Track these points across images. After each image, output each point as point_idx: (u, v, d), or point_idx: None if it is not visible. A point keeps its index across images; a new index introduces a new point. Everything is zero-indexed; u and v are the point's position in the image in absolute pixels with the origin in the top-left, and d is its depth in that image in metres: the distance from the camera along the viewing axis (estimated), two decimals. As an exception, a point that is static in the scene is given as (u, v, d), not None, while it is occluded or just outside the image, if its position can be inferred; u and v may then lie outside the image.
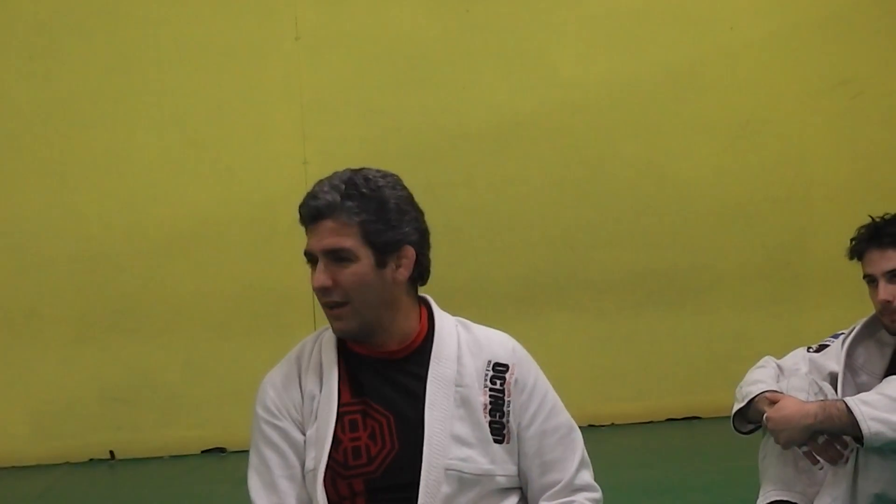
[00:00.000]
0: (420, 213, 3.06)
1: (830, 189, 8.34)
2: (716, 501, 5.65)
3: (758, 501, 3.86)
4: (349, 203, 2.95)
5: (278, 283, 7.93)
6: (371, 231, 2.95)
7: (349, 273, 2.95)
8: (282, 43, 8.13)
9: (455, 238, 7.84)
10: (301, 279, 7.68)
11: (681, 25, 8.31)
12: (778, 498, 3.80)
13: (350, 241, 2.94)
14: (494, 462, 3.00)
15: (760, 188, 8.33)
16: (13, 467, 7.84)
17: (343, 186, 2.96)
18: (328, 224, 2.95)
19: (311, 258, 2.99)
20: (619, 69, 8.27)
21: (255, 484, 3.02)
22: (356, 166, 3.07)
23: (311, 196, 2.98)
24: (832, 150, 8.41)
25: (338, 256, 2.94)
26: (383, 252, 2.97)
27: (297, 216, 3.03)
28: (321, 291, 2.96)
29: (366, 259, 2.96)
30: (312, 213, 2.96)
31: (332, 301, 2.96)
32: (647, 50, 8.30)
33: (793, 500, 3.77)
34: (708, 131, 8.34)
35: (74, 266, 8.01)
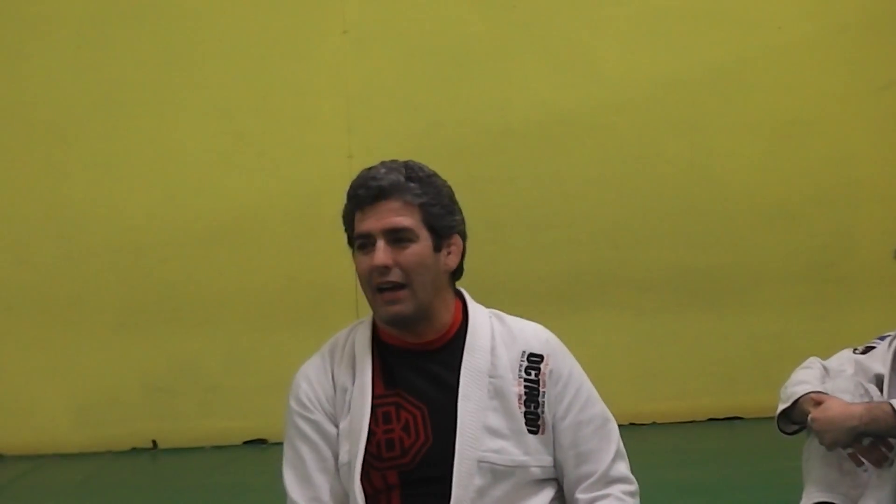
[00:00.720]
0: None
1: (876, 190, 8.29)
2: (757, 502, 5.63)
3: (801, 502, 3.84)
4: (412, 184, 2.97)
5: (321, 275, 7.96)
6: (431, 214, 2.98)
7: (410, 253, 2.95)
8: (329, 36, 8.15)
9: (497, 234, 7.85)
10: (343, 272, 7.76)
11: (727, 24, 8.28)
12: (821, 499, 3.77)
13: (412, 221, 2.96)
14: (529, 453, 3.00)
15: (805, 189, 8.28)
16: (56, 455, 7.89)
17: (404, 169, 2.99)
18: (391, 204, 2.96)
19: (367, 241, 2.98)
20: (664, 67, 8.25)
21: (290, 478, 3.03)
22: (400, 160, 3.08)
23: (370, 178, 2.98)
24: (878, 152, 8.35)
25: (399, 236, 2.95)
26: (440, 236, 2.99)
27: (345, 205, 3.02)
28: (380, 271, 2.95)
29: (425, 241, 2.97)
30: (374, 192, 2.96)
31: (390, 282, 2.95)
32: (693, 48, 8.26)
33: (836, 502, 3.75)
34: (752, 131, 8.30)
35: (118, 256, 8.06)
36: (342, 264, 7.70)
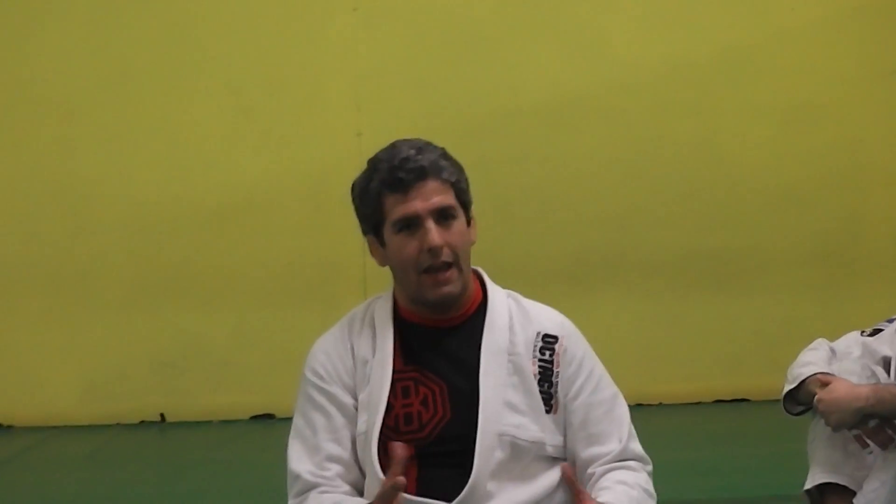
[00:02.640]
0: None
1: (886, 175, 8.28)
2: (763, 483, 5.64)
3: (805, 484, 3.85)
4: (445, 163, 3.00)
5: (329, 253, 7.98)
6: (461, 191, 3.02)
7: (456, 231, 2.99)
8: (338, 14, 8.14)
9: (506, 214, 7.85)
10: (351, 250, 7.80)
11: (738, 6, 8.25)
12: (826, 480, 3.79)
13: (453, 200, 2.99)
14: (545, 431, 3.02)
15: (815, 172, 8.27)
16: (65, 426, 7.93)
17: (432, 148, 3.00)
18: (432, 183, 2.97)
19: (412, 222, 2.98)
20: (675, 49, 8.23)
21: (296, 448, 3.03)
22: (410, 138, 3.08)
23: (406, 160, 2.97)
24: (887, 136, 8.33)
25: (445, 214, 2.97)
26: (468, 213, 3.05)
27: (370, 190, 3.00)
28: (434, 252, 2.95)
29: (462, 218, 3.02)
30: (417, 173, 2.96)
31: (444, 262, 2.97)
32: (705, 30, 8.25)
33: (841, 483, 3.76)
34: (763, 113, 8.28)
35: (127, 232, 8.08)
36: (350, 242, 7.76)
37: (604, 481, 2.99)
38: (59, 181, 8.09)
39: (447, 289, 2.99)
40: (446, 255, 2.97)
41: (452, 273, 2.98)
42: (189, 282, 8.09)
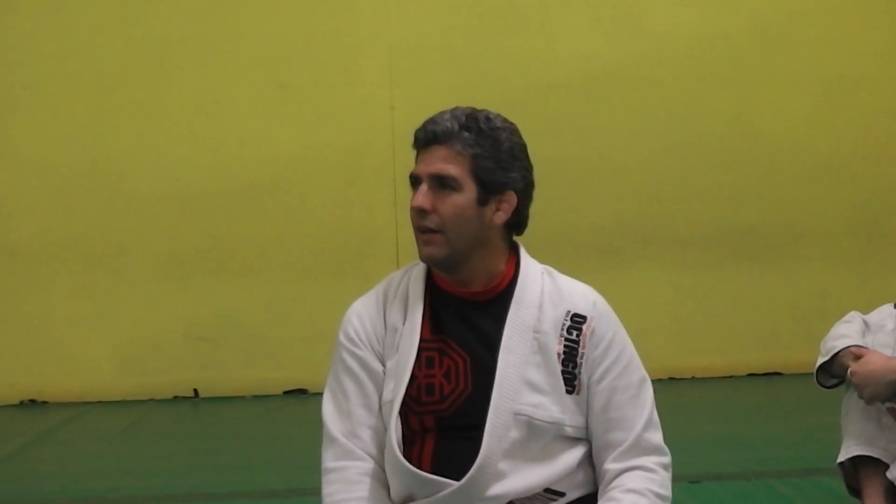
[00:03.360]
0: (530, 165, 3.06)
1: (922, 147, 8.24)
2: (796, 456, 5.62)
3: (839, 456, 3.85)
4: (466, 134, 2.95)
5: (362, 227, 7.98)
6: (481, 166, 2.95)
7: (450, 202, 2.94)
8: (372, -12, 8.16)
9: (540, 187, 7.70)
10: (385, 224, 7.79)
11: (775, -23, 8.22)
12: (860, 453, 3.78)
13: (458, 171, 2.94)
14: (565, 412, 2.97)
15: (850, 144, 8.24)
16: (99, 402, 7.99)
17: (464, 118, 2.97)
18: (441, 151, 2.95)
19: (416, 181, 2.98)
20: (711, 21, 8.20)
21: (329, 409, 3.03)
22: (471, 107, 3.05)
23: (431, 121, 2.97)
24: (925, 108, 8.30)
25: (443, 183, 2.94)
26: (488, 190, 2.96)
27: (412, 142, 3.01)
28: (418, 213, 2.95)
29: (469, 192, 2.95)
30: (428, 136, 2.96)
31: (426, 226, 2.96)
32: (739, 2, 8.22)
33: (875, 456, 3.75)
34: (799, 85, 8.25)
35: (162, 206, 8.11)
36: (384, 216, 7.79)
37: (614, 492, 2.96)
38: (94, 156, 8.12)
39: (427, 249, 2.97)
40: (431, 222, 2.95)
41: (436, 237, 2.96)
42: (223, 256, 8.13)
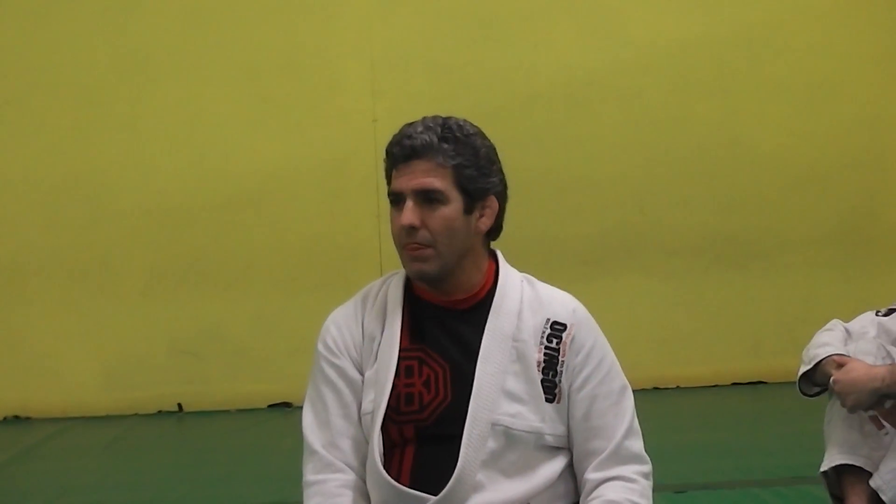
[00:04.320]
0: (501, 166, 3.06)
1: (905, 154, 8.26)
2: (780, 464, 5.63)
3: (822, 465, 3.84)
4: (445, 145, 2.93)
5: (346, 239, 7.98)
6: (464, 175, 2.93)
7: (438, 216, 2.92)
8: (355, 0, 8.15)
9: (524, 197, 7.69)
10: (369, 236, 7.79)
11: (756, -15, 8.24)
12: (843, 461, 3.78)
13: (443, 183, 2.92)
14: (544, 420, 2.96)
15: (833, 151, 8.25)
16: (83, 417, 7.96)
17: (439, 129, 2.95)
18: (422, 164, 2.92)
19: (398, 198, 2.96)
20: (692, 28, 8.21)
21: (309, 420, 3.02)
22: (443, 116, 3.04)
23: (405, 136, 2.95)
24: (907, 115, 8.31)
25: (429, 197, 2.92)
26: (472, 198, 2.96)
27: (383, 160, 3.00)
28: (407, 231, 2.92)
29: (455, 203, 2.94)
30: (406, 152, 2.94)
31: (416, 243, 2.94)
32: (721, 10, 8.23)
33: (857, 464, 3.75)
34: (781, 94, 8.26)
35: (146, 219, 8.09)
36: (367, 228, 7.79)
37: (594, 503, 2.94)
38: (77, 169, 8.10)
39: (418, 265, 2.95)
40: (421, 237, 2.93)
41: (427, 252, 2.94)
42: (207, 269, 8.11)
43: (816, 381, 3.85)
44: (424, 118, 3.00)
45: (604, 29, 8.20)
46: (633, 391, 3.08)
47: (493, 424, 2.91)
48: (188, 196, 8.11)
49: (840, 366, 3.74)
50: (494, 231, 3.07)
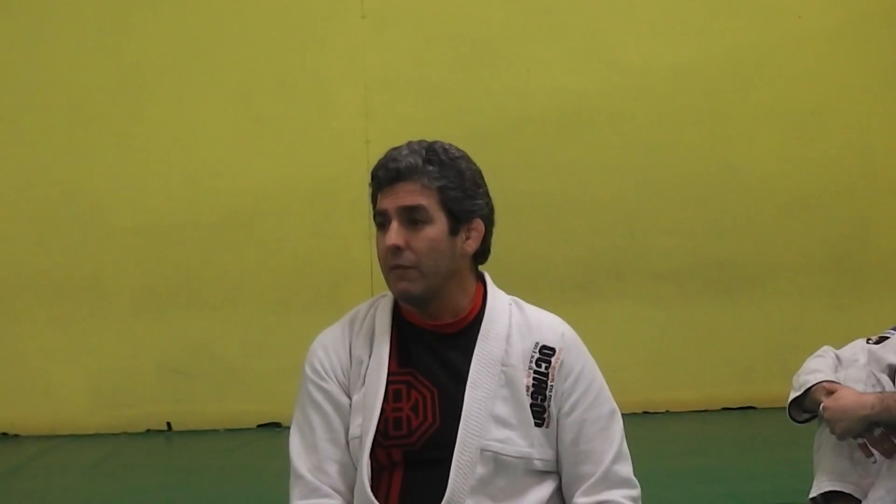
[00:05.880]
0: (488, 190, 3.07)
1: (894, 181, 8.26)
2: (769, 490, 5.63)
3: (811, 492, 3.84)
4: (430, 167, 2.95)
5: (337, 260, 7.97)
6: (449, 197, 2.95)
7: (423, 236, 2.93)
8: (347, 21, 8.15)
9: (514, 221, 7.83)
10: (360, 257, 7.79)
11: (748, 12, 8.25)
12: (832, 489, 3.78)
13: (428, 203, 2.94)
14: (533, 445, 2.96)
15: (824, 179, 8.26)
16: (72, 435, 7.92)
17: (423, 152, 2.96)
18: (407, 186, 2.94)
19: (384, 220, 2.97)
20: (684, 55, 8.23)
21: (296, 444, 3.02)
22: (428, 140, 3.05)
23: (391, 159, 2.97)
24: (897, 143, 8.34)
25: (413, 217, 2.92)
26: (458, 220, 2.97)
27: (368, 185, 3.01)
28: (392, 252, 2.93)
29: (440, 224, 2.95)
30: (392, 175, 2.95)
31: (401, 264, 2.94)
32: (713, 36, 8.24)
33: (846, 491, 3.75)
34: (772, 120, 8.28)
35: (136, 238, 8.08)
36: (359, 249, 7.79)
37: None
38: (69, 187, 8.09)
39: (403, 285, 2.96)
40: (406, 259, 2.94)
41: (412, 273, 2.94)
42: (197, 288, 8.10)
43: (806, 407, 3.86)
44: (410, 142, 3.02)
45: (595, 53, 8.21)
46: (623, 415, 3.09)
47: (483, 450, 2.91)
48: (180, 215, 8.10)
49: (830, 393, 3.74)
50: (482, 254, 3.08)
